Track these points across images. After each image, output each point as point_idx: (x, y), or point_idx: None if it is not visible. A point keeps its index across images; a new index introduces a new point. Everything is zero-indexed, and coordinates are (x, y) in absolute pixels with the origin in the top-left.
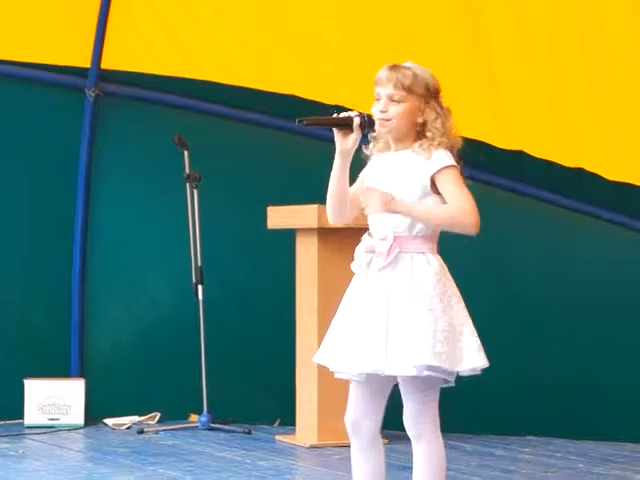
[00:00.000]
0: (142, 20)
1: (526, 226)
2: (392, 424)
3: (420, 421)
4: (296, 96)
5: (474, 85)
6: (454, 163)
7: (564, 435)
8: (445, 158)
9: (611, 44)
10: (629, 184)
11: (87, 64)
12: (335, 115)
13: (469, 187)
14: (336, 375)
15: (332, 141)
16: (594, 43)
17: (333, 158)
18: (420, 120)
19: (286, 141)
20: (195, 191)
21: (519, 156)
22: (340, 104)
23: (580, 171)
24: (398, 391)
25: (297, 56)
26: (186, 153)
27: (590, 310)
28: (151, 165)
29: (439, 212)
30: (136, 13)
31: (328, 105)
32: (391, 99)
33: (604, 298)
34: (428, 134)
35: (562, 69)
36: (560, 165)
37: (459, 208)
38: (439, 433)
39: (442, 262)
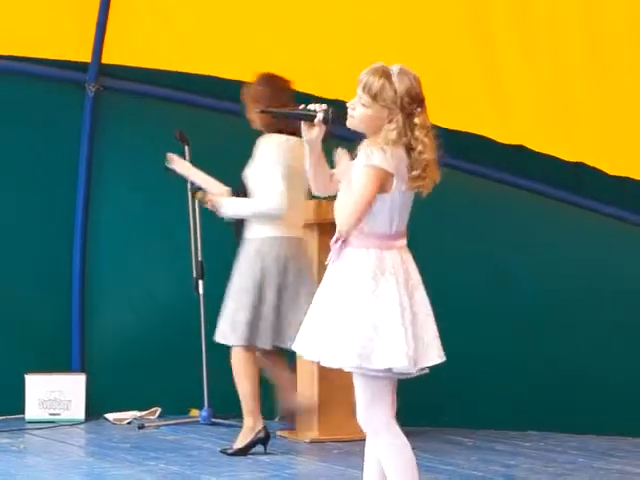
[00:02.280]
0: (142, 15)
1: (526, 220)
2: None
3: (371, 415)
4: (297, 91)
5: (475, 79)
6: (376, 164)
7: (564, 429)
8: (370, 157)
9: (612, 39)
10: (629, 178)
11: (87, 59)
12: (302, 107)
13: (470, 184)
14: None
15: (334, 137)
16: (595, 38)
17: (333, 156)
18: (386, 128)
19: None
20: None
21: (519, 150)
22: (340, 99)
23: (580, 165)
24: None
25: (298, 51)
26: (187, 148)
27: (590, 304)
28: (152, 160)
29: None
30: (136, 8)
31: (326, 99)
32: (360, 100)
33: (605, 292)
34: (378, 140)
35: (563, 63)
36: (560, 159)
37: (341, 211)
38: (393, 427)
39: (392, 259)
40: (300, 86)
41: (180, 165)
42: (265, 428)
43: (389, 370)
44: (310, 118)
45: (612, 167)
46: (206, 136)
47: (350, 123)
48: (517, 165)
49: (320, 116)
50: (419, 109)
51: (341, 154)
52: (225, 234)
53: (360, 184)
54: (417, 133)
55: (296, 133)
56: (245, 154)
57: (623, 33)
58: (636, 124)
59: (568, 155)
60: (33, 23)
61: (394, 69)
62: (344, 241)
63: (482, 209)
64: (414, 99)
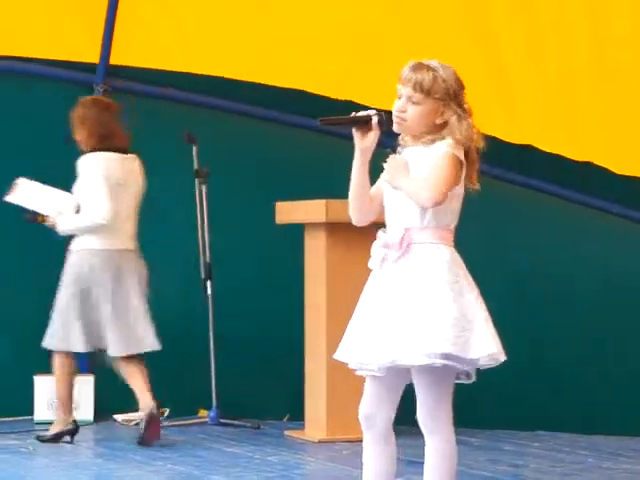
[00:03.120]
0: (150, 16)
1: (534, 220)
2: (404, 419)
3: (434, 417)
4: (305, 91)
5: (483, 79)
6: (451, 150)
7: (573, 429)
8: (443, 146)
9: (619, 39)
10: (637, 178)
11: (95, 60)
12: (353, 114)
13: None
14: (357, 372)
15: (341, 136)
16: (602, 37)
17: (341, 153)
18: (439, 121)
19: (294, 136)
20: (204, 187)
21: (528, 150)
22: (350, 99)
23: (588, 165)
24: (408, 386)
25: (306, 51)
26: (194, 148)
27: (599, 304)
28: (160, 161)
29: (411, 185)
30: (144, 9)
31: (337, 100)
32: (410, 100)
33: (613, 292)
34: (444, 132)
35: (571, 64)
36: (568, 159)
37: (421, 186)
38: (452, 429)
39: (455, 253)
40: (307, 86)
41: (24, 191)
42: (75, 421)
43: (474, 363)
44: (366, 123)
45: (620, 167)
46: (214, 137)
47: (399, 126)
48: (525, 165)
49: (376, 119)
50: (464, 93)
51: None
52: (233, 235)
53: (441, 165)
54: (470, 120)
55: (119, 150)
56: (254, 154)
57: (630, 33)
58: None
59: (576, 155)
60: (41, 24)
61: (434, 62)
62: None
63: (489, 209)
64: (460, 85)
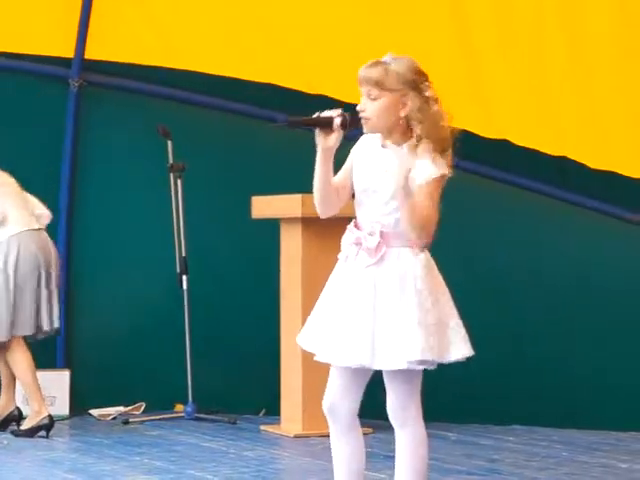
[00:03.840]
0: (125, 10)
1: (510, 215)
2: (376, 413)
3: (405, 410)
4: (278, 85)
5: (457, 74)
6: (440, 171)
7: (548, 424)
8: (431, 168)
9: (594, 33)
10: (613, 172)
11: (70, 54)
12: (317, 114)
13: (455, 179)
14: (315, 359)
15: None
16: (577, 32)
17: (316, 147)
18: (403, 114)
19: (269, 131)
20: (179, 181)
21: (503, 145)
22: (323, 94)
23: (564, 159)
24: (379, 379)
25: (279, 46)
26: (169, 143)
27: (574, 298)
28: (135, 155)
29: (417, 210)
30: (119, 3)
31: (310, 95)
32: (369, 97)
33: (588, 286)
34: (417, 129)
35: (545, 58)
36: (544, 153)
37: (426, 218)
38: (422, 422)
39: (429, 256)
40: (285, 82)
41: None
42: (50, 416)
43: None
44: (328, 124)
45: (595, 161)
46: (189, 131)
47: (367, 125)
48: (501, 159)
49: (338, 121)
50: (426, 83)
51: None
52: (209, 230)
53: (435, 197)
54: (434, 107)
55: None
56: (227, 149)
57: (605, 27)
58: (619, 118)
59: (551, 149)
60: (15, 18)
61: (387, 56)
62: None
63: (465, 203)
64: (417, 73)
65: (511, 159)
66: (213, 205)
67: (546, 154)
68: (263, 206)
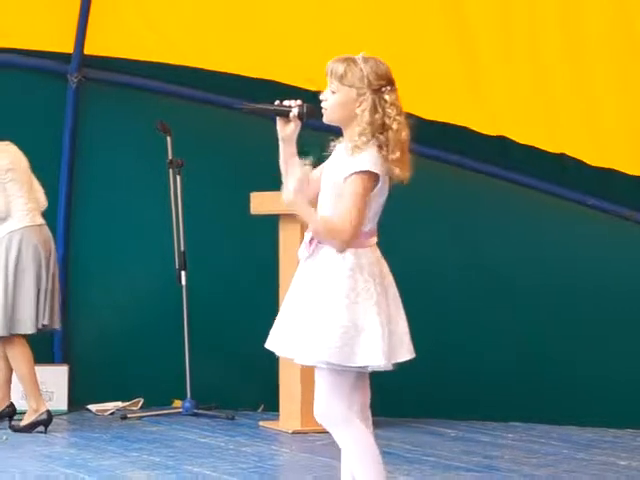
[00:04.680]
0: (124, 6)
1: (508, 211)
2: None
3: (328, 416)
4: (275, 81)
5: (456, 71)
6: (368, 168)
7: (547, 421)
8: (361, 162)
9: (592, 30)
10: (611, 169)
11: (70, 50)
12: (277, 103)
13: (453, 176)
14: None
15: (316, 129)
16: (575, 29)
17: (315, 145)
18: (358, 111)
19: (269, 126)
20: (178, 177)
21: (501, 141)
22: (319, 90)
23: (562, 156)
24: (377, 374)
25: (279, 42)
26: (169, 139)
27: (572, 296)
28: (134, 151)
29: (316, 222)
30: None
31: (306, 90)
32: (330, 89)
33: (587, 283)
34: (356, 128)
35: (544, 55)
36: (542, 150)
37: (329, 228)
38: (354, 422)
39: (364, 257)
40: (278, 76)
41: None
42: (48, 411)
43: (363, 367)
44: (285, 114)
45: (594, 158)
46: (189, 127)
47: (326, 116)
48: (499, 156)
49: (295, 111)
50: (388, 87)
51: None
52: (208, 226)
53: (356, 193)
54: (389, 110)
55: None
56: (226, 144)
57: (602, 24)
58: (617, 116)
59: (550, 146)
60: (15, 14)
61: (359, 55)
62: (318, 240)
63: (463, 200)
64: (381, 77)
65: (510, 156)
66: (212, 201)
67: (545, 151)
68: (262, 202)
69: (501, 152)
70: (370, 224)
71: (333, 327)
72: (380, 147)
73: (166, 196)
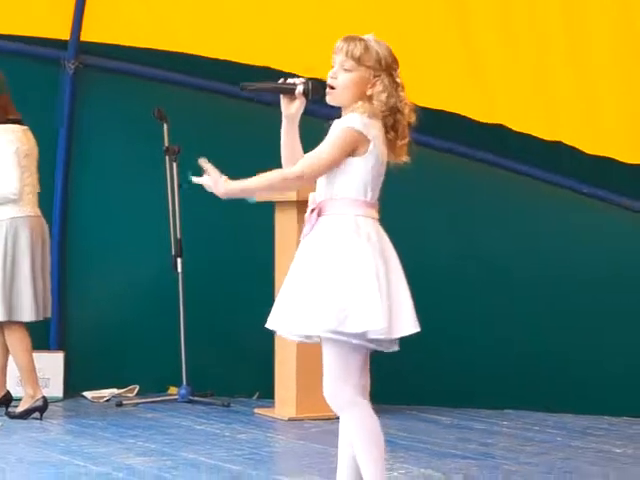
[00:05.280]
0: None
1: (504, 199)
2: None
3: (336, 397)
4: (271, 67)
5: (455, 59)
6: (352, 126)
7: (542, 408)
8: (349, 120)
9: (591, 19)
10: (607, 158)
11: (66, 36)
12: (281, 81)
13: (449, 163)
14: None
15: (312, 115)
16: (574, 18)
17: (313, 131)
18: (369, 92)
19: (265, 113)
20: (174, 164)
21: (498, 129)
22: (315, 76)
23: (559, 145)
24: (373, 361)
25: (275, 29)
26: (165, 126)
27: (567, 283)
28: (130, 138)
29: (259, 180)
30: None
31: (302, 76)
32: (342, 67)
33: (582, 272)
34: (359, 108)
35: (542, 44)
36: (539, 139)
37: (278, 173)
38: (361, 403)
39: (365, 225)
40: (275, 63)
41: None
42: (44, 398)
43: (363, 337)
44: (290, 91)
45: (590, 147)
46: (185, 114)
47: (331, 96)
48: (496, 144)
49: (300, 88)
50: (398, 70)
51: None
52: (204, 213)
53: (330, 140)
54: (402, 94)
55: (16, 122)
56: (222, 131)
57: (602, 13)
58: (614, 104)
59: (547, 134)
60: (11, 1)
61: (368, 36)
62: (318, 213)
63: (460, 188)
64: (394, 59)
65: (507, 144)
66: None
67: (541, 139)
68: None
69: (498, 140)
70: (371, 194)
71: (328, 293)
72: (386, 130)
73: (162, 183)
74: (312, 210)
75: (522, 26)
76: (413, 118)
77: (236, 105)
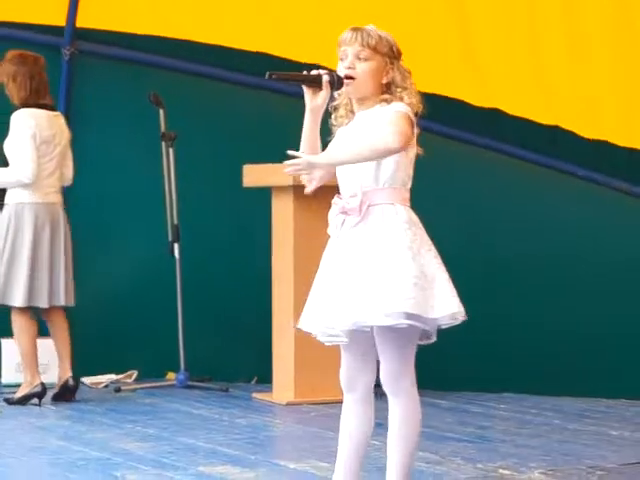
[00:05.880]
0: None
1: (501, 183)
2: None
3: (398, 380)
4: (268, 54)
5: (450, 42)
6: (406, 111)
7: (539, 392)
8: (400, 106)
9: (588, 3)
10: (604, 141)
11: (62, 22)
12: (305, 72)
13: (445, 147)
14: (325, 343)
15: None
16: (571, 1)
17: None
18: (384, 81)
19: (261, 99)
20: (171, 149)
21: (495, 114)
22: (312, 62)
23: (555, 129)
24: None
25: (271, 14)
26: (162, 112)
27: (564, 266)
28: (127, 124)
29: (360, 145)
30: None
31: (300, 63)
32: (358, 57)
33: (578, 254)
34: (396, 92)
35: (538, 26)
36: (535, 122)
37: (378, 136)
38: (416, 391)
39: (412, 213)
40: (272, 49)
41: None
42: (42, 384)
43: (434, 323)
44: (316, 82)
45: (587, 130)
46: (181, 99)
47: (351, 87)
48: (492, 128)
49: (326, 78)
50: (401, 58)
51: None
52: (200, 197)
53: (393, 118)
54: (412, 82)
55: (45, 107)
56: (219, 117)
57: None
58: (611, 88)
59: (543, 118)
60: None
61: (368, 26)
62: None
63: (457, 172)
64: (399, 48)
65: (503, 128)
66: (205, 174)
67: (538, 123)
68: (255, 175)
69: (494, 124)
70: (409, 183)
71: (404, 279)
72: None
73: (159, 168)
74: (361, 203)
75: (518, 9)
76: (421, 107)
77: (232, 91)
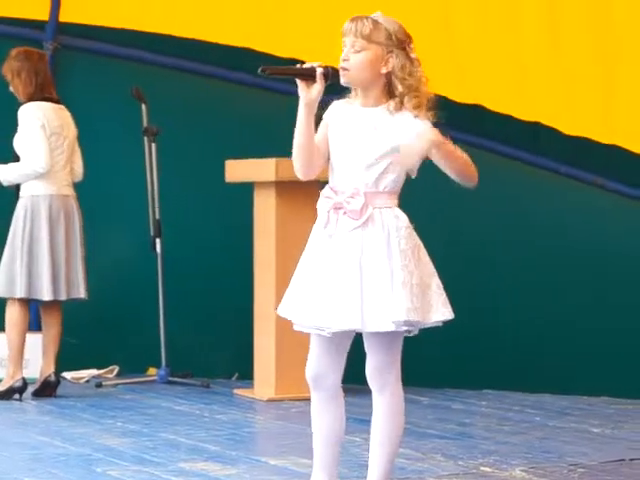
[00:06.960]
0: None
1: (482, 180)
2: (351, 377)
3: (384, 375)
4: (250, 49)
5: (433, 39)
6: (430, 126)
7: (520, 389)
8: (428, 132)
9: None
10: (585, 138)
11: (45, 17)
12: (298, 66)
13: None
14: (296, 328)
15: (289, 94)
16: None
17: (291, 111)
18: (384, 71)
19: (244, 94)
20: (153, 144)
21: (476, 110)
22: (294, 57)
23: (537, 125)
24: (356, 344)
25: (252, 9)
26: (144, 106)
27: (546, 264)
28: (109, 118)
29: (463, 157)
30: None
31: (282, 58)
32: (352, 48)
33: (560, 252)
34: (399, 87)
35: (519, 24)
36: (517, 119)
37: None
38: (401, 386)
39: (406, 217)
40: (254, 44)
41: None
42: (24, 379)
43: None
44: (310, 75)
45: (568, 127)
46: (163, 94)
47: (346, 77)
48: (474, 124)
49: (320, 71)
50: (411, 45)
51: None
52: (182, 192)
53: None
54: (418, 70)
55: (51, 100)
56: (201, 112)
57: None
58: (592, 84)
59: (525, 114)
60: None
61: (377, 14)
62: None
63: (438, 168)
64: (405, 34)
65: (485, 124)
66: (187, 169)
67: (520, 119)
68: (237, 170)
69: (476, 120)
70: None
71: (410, 287)
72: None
73: (141, 163)
74: (363, 207)
75: (500, 7)
76: (432, 95)
77: (215, 86)
